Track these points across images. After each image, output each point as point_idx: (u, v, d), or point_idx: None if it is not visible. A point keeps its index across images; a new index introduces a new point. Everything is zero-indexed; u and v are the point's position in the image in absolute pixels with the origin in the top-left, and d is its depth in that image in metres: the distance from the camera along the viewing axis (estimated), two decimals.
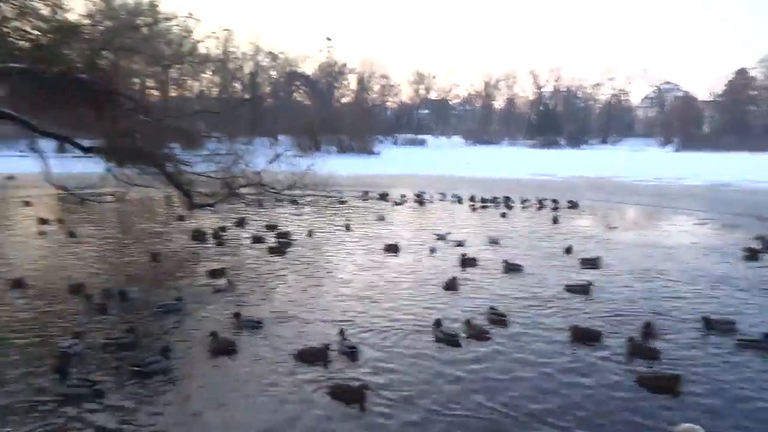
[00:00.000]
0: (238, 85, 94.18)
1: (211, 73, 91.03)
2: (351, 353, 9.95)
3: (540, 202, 31.94)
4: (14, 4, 20.22)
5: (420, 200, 33.14)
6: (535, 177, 53.41)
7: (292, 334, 10.95)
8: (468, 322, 11.28)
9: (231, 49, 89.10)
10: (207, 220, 23.03)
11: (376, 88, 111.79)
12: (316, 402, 8.31)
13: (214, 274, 14.93)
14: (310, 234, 21.15)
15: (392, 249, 18.59)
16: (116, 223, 25.13)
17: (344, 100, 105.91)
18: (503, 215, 27.30)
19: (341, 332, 10.62)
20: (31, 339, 10.49)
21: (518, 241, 20.67)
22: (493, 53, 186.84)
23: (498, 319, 11.77)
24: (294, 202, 19.71)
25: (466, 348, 10.36)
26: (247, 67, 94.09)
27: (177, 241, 20.41)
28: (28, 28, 19.09)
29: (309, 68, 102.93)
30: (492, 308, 12.19)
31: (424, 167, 60.82)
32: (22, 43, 17.51)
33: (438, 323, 11.07)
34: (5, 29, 18.50)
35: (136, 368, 8.93)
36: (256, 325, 11.28)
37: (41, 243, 19.74)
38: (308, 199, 30.87)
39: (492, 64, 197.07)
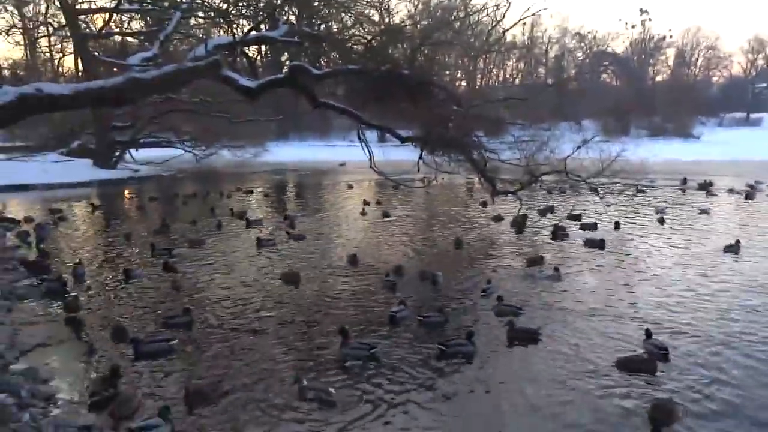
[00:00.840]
0: (542, 70, 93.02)
1: (515, 60, 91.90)
2: (662, 355, 8.99)
3: None
4: (353, 13, 23.28)
5: (751, 191, 28.05)
6: None
7: (594, 330, 10.35)
8: None
9: (537, 35, 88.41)
10: (509, 207, 23.26)
11: (700, 61, 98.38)
12: (613, 408, 7.61)
13: (533, 262, 14.88)
14: (617, 226, 19.63)
15: (731, 249, 15.91)
16: (423, 207, 27.19)
17: (659, 78, 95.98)
18: None
19: (647, 333, 9.61)
20: (365, 305, 11.99)
21: None
22: None
23: None
24: (594, 190, 18.66)
25: None
26: (553, 51, 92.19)
27: (479, 227, 21.09)
28: (362, 33, 21.86)
29: (619, 46, 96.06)
30: None
31: (757, 152, 51.44)
32: (357, 47, 20.03)
33: None
34: (345, 36, 21.46)
35: (441, 347, 9.37)
36: (516, 311, 11.16)
37: (363, 221, 22.44)
38: (612, 187, 28.86)
39: None
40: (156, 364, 8.99)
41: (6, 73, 50.62)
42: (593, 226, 19.52)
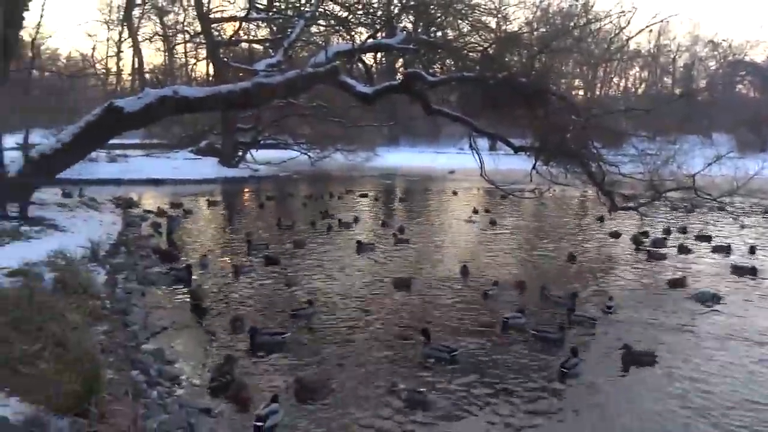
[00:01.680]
0: (668, 80, 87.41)
1: (638, 68, 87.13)
2: None
3: None
4: (470, 21, 23.17)
5: None
6: None
7: (723, 358, 9.73)
8: None
9: (664, 42, 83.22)
10: (628, 223, 22.02)
11: None
12: None
13: (675, 283, 14.02)
14: (752, 251, 17.90)
15: None
16: (533, 218, 26.36)
17: None
18: None
19: None
20: (481, 313, 11.91)
21: None
22: None
23: None
24: (721, 209, 17.17)
25: None
26: (681, 60, 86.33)
27: (595, 242, 20.08)
28: (478, 41, 21.70)
29: (759, 55, 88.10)
30: None
31: None
32: (473, 54, 19.92)
33: None
34: (461, 43, 21.43)
35: (564, 370, 8.96)
36: (589, 321, 11.08)
37: (471, 229, 22.11)
38: (741, 207, 26.48)
39: None
40: (269, 355, 9.42)
41: (147, 76, 55.48)
42: (727, 249, 17.93)
